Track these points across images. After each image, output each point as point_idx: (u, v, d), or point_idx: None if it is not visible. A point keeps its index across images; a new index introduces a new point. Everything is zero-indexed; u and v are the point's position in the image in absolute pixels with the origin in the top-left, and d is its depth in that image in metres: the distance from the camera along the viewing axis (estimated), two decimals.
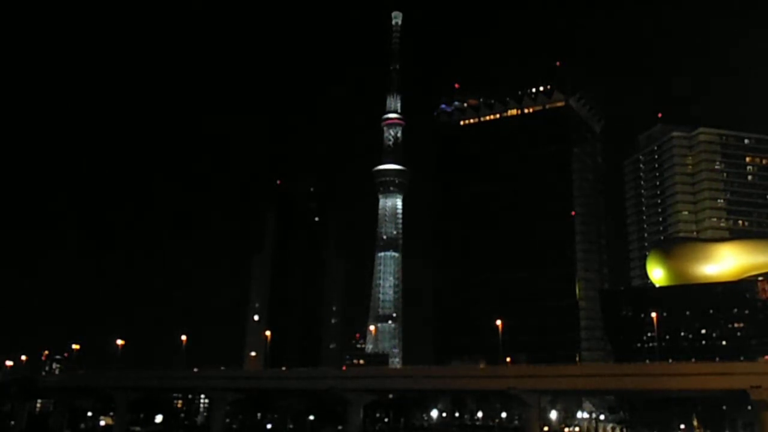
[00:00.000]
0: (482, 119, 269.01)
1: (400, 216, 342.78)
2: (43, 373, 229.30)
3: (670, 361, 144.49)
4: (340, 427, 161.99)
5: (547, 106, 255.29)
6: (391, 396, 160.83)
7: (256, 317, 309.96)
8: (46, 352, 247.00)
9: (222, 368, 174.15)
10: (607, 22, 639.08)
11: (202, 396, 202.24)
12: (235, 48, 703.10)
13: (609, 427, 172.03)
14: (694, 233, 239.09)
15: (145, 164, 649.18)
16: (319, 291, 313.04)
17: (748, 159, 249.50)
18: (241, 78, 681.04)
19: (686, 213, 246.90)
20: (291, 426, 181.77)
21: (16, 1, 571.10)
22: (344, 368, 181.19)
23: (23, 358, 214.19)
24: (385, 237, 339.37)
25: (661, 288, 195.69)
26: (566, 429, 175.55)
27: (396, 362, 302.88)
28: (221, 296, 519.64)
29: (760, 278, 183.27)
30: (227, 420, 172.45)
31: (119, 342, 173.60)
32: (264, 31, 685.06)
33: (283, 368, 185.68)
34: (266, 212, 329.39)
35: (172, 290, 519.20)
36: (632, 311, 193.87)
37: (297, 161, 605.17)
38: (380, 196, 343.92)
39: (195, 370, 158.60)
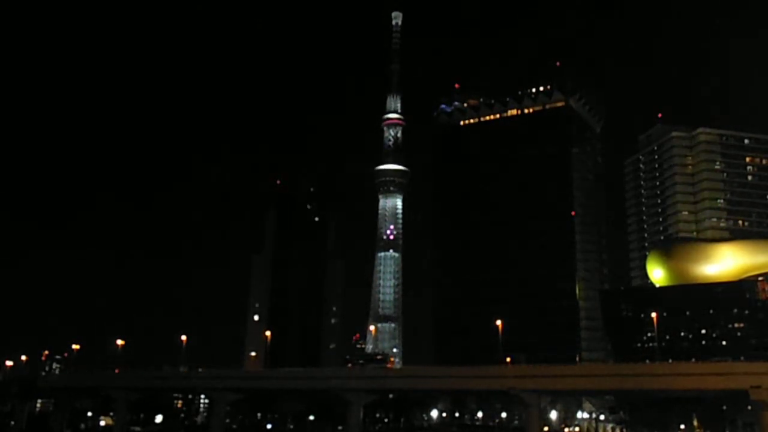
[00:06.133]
0: (482, 119, 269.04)
1: (400, 216, 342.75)
2: (43, 373, 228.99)
3: (670, 361, 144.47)
4: (340, 427, 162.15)
5: (547, 106, 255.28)
6: (391, 396, 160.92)
7: (256, 317, 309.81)
8: (46, 352, 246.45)
9: (221, 368, 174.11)
10: (607, 22, 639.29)
11: (202, 396, 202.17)
12: (235, 47, 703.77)
13: (609, 427, 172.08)
14: (694, 233, 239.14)
15: (144, 164, 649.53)
16: (319, 291, 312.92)
17: (748, 159, 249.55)
18: (240, 77, 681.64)
19: (686, 213, 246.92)
20: (291, 426, 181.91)
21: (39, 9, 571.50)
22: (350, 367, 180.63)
23: (23, 358, 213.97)
24: (385, 237, 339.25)
25: (661, 288, 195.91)
26: (566, 429, 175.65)
27: (396, 362, 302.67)
28: (221, 296, 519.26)
29: (760, 278, 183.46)
30: (227, 420, 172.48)
31: (119, 342, 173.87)
32: (264, 30, 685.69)
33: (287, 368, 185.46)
34: (266, 212, 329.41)
35: (172, 290, 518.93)
36: (632, 311, 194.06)
37: (297, 161, 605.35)
38: (380, 196, 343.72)
39: (198, 370, 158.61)
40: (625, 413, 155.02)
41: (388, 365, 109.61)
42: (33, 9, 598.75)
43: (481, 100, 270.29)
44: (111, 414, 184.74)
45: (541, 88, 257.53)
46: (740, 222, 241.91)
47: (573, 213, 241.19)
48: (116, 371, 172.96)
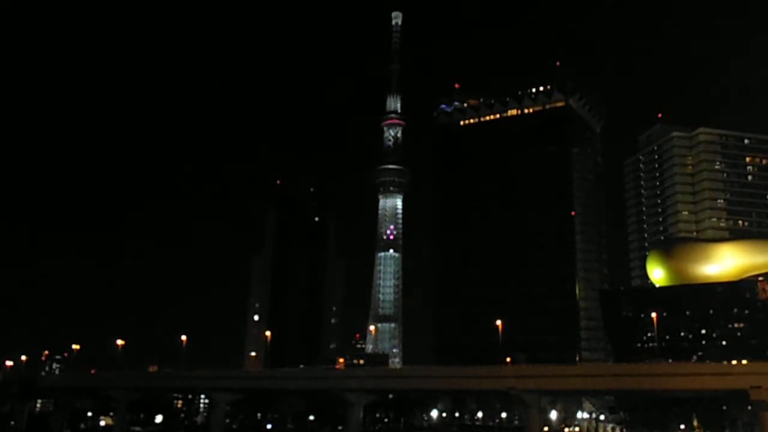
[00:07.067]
0: (482, 119, 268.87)
1: (400, 216, 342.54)
2: (43, 373, 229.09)
3: (670, 361, 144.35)
4: (340, 428, 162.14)
5: (547, 106, 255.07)
6: (391, 396, 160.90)
7: (256, 317, 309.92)
8: (46, 352, 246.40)
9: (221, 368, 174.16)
10: (607, 22, 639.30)
11: (202, 396, 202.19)
12: (235, 48, 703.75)
13: (609, 427, 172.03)
14: (694, 233, 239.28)
15: (144, 165, 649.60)
16: (319, 291, 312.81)
17: (748, 159, 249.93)
18: (241, 77, 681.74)
19: (686, 213, 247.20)
20: (291, 426, 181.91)
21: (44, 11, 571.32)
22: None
23: (23, 358, 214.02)
24: (385, 237, 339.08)
25: (661, 288, 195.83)
26: (566, 429, 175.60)
27: (396, 362, 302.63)
28: (221, 296, 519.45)
29: (760, 278, 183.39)
30: (227, 420, 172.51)
31: (119, 342, 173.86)
32: (264, 30, 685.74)
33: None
34: (266, 212, 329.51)
35: (172, 290, 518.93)
36: (632, 311, 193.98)
37: (297, 161, 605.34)
38: (380, 196, 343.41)
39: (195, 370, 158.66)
40: (625, 413, 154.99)
41: (337, 366, 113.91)
42: (33, 9, 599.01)
43: (481, 100, 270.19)
44: (111, 414, 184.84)
45: (541, 88, 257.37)
46: (740, 222, 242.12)
47: (573, 213, 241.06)
48: (92, 371, 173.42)
